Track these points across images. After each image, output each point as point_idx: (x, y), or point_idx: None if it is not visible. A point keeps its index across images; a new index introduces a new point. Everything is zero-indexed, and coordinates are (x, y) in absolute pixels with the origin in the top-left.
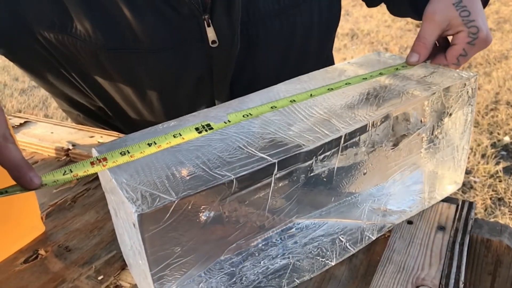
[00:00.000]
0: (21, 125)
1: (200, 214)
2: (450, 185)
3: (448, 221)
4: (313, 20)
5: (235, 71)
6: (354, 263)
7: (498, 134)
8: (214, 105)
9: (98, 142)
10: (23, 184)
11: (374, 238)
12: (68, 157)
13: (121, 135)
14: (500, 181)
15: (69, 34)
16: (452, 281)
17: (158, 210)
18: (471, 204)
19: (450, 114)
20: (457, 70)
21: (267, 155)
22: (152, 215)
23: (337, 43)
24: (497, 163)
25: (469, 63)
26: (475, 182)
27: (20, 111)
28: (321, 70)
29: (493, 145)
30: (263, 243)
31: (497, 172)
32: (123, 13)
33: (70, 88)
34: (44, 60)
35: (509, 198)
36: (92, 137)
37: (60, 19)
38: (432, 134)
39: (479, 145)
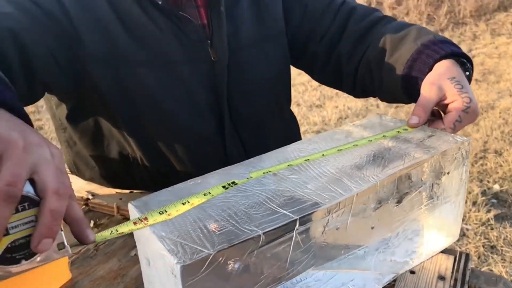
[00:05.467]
0: None
1: (231, 265)
2: (447, 237)
3: (448, 271)
4: (276, 58)
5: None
6: None
7: (488, 182)
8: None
9: (116, 192)
10: (81, 239)
11: (380, 287)
12: (87, 206)
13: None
14: (492, 229)
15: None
16: None
17: (197, 261)
18: (467, 256)
19: (447, 173)
20: (452, 134)
21: (289, 212)
22: (191, 266)
23: (329, 92)
24: (488, 211)
25: None
26: (467, 229)
27: None
28: (329, 132)
29: (484, 193)
30: None
31: (488, 220)
32: (154, 35)
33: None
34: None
35: (502, 246)
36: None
37: None
38: (431, 191)
39: (469, 192)
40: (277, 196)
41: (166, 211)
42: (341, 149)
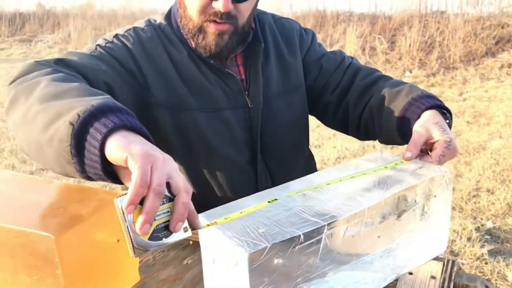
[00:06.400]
0: None
1: (278, 258)
2: (437, 247)
3: (438, 273)
4: (297, 105)
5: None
6: None
7: (481, 219)
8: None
9: None
10: (193, 225)
11: (386, 284)
12: None
13: None
14: (486, 263)
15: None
16: None
17: (258, 251)
18: (453, 262)
19: (435, 196)
20: (438, 166)
21: (320, 220)
22: (254, 255)
23: (327, 132)
24: (482, 246)
25: None
26: (463, 264)
27: None
28: (342, 164)
29: (477, 229)
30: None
31: (482, 254)
32: (205, 86)
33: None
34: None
35: (496, 280)
36: None
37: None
38: (423, 210)
39: (464, 229)
40: (309, 209)
41: (229, 217)
42: (353, 176)
